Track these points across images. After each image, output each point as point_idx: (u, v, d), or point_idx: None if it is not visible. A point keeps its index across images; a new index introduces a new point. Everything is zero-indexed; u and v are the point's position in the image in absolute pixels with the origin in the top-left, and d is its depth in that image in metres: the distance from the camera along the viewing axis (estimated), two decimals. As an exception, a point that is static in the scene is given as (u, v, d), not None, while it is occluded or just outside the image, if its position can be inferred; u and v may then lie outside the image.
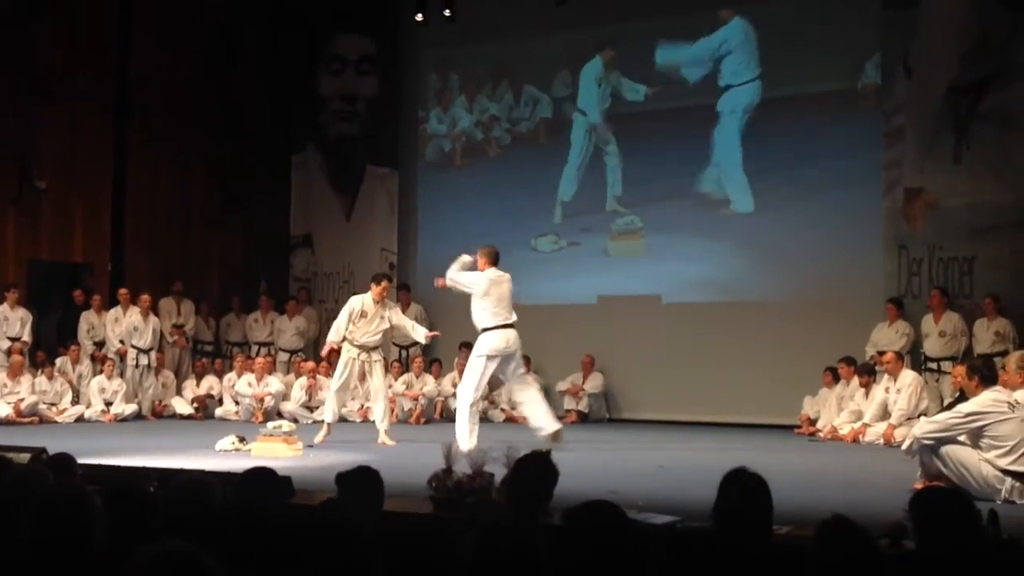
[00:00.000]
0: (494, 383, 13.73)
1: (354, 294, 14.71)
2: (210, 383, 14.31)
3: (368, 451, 9.29)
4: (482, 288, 9.62)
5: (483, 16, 14.67)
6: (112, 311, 14.02)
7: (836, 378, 11.80)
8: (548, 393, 13.69)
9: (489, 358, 9.60)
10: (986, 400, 6.61)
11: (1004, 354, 10.08)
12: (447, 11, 14.06)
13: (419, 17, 14.39)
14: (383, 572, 3.11)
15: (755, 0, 13.44)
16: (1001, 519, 4.79)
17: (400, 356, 14.55)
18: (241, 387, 13.68)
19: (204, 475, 4.53)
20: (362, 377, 10.93)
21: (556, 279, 14.78)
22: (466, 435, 9.31)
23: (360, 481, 4.50)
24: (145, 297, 13.94)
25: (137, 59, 15.04)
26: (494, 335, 9.55)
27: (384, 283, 10.73)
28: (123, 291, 14.08)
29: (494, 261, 9.75)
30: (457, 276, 9.83)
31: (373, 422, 10.68)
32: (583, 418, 13.43)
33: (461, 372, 13.55)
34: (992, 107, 11.42)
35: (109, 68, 14.85)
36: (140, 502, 3.71)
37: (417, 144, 15.84)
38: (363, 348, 10.43)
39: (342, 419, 13.13)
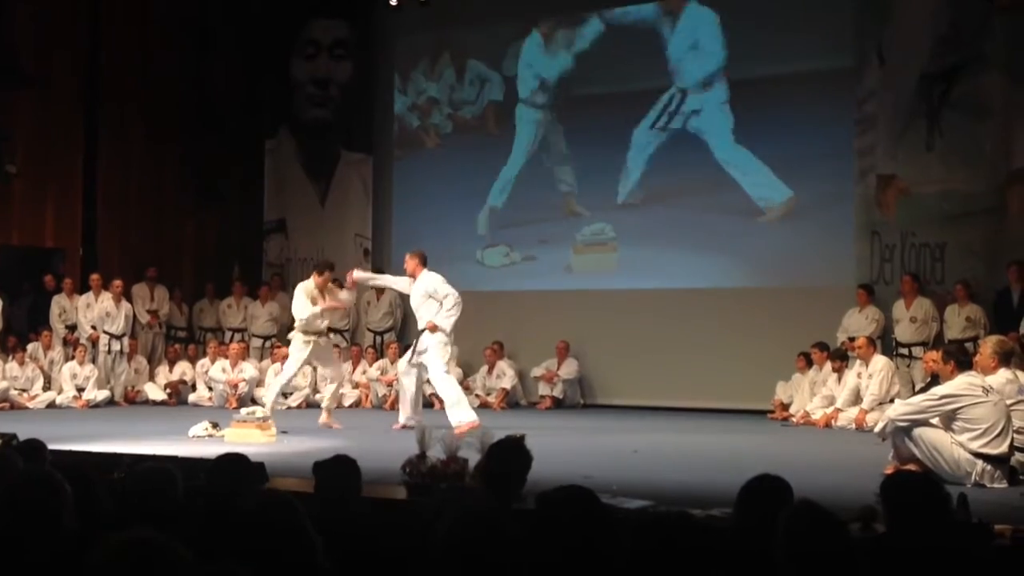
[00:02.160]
0: (467, 371, 13.85)
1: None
2: (183, 369, 14.25)
3: (341, 436, 9.27)
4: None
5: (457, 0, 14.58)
6: (84, 296, 13.91)
7: (809, 363, 11.87)
8: (523, 379, 13.78)
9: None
10: (961, 383, 6.68)
11: (975, 340, 10.20)
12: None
13: (393, 2, 14.30)
14: (332, 560, 3.12)
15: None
16: (971, 502, 4.84)
17: (375, 342, 14.51)
18: (215, 373, 13.64)
19: (167, 463, 4.51)
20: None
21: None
22: (458, 408, 9.51)
23: (337, 469, 4.48)
24: (117, 283, 13.84)
25: (109, 44, 14.90)
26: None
27: (327, 273, 10.66)
28: (95, 276, 13.98)
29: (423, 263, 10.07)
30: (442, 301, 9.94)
31: (346, 407, 10.70)
32: (557, 404, 13.45)
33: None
34: (964, 95, 11.48)
35: (81, 53, 14.71)
36: (86, 488, 3.68)
37: (392, 129, 15.70)
38: (319, 333, 10.47)
39: (315, 405, 13.18)
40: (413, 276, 10.01)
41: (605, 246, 13.76)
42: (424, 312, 9.88)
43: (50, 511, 3.12)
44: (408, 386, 10.07)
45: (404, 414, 10.03)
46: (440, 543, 2.84)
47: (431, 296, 9.83)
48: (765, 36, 12.93)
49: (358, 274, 10.78)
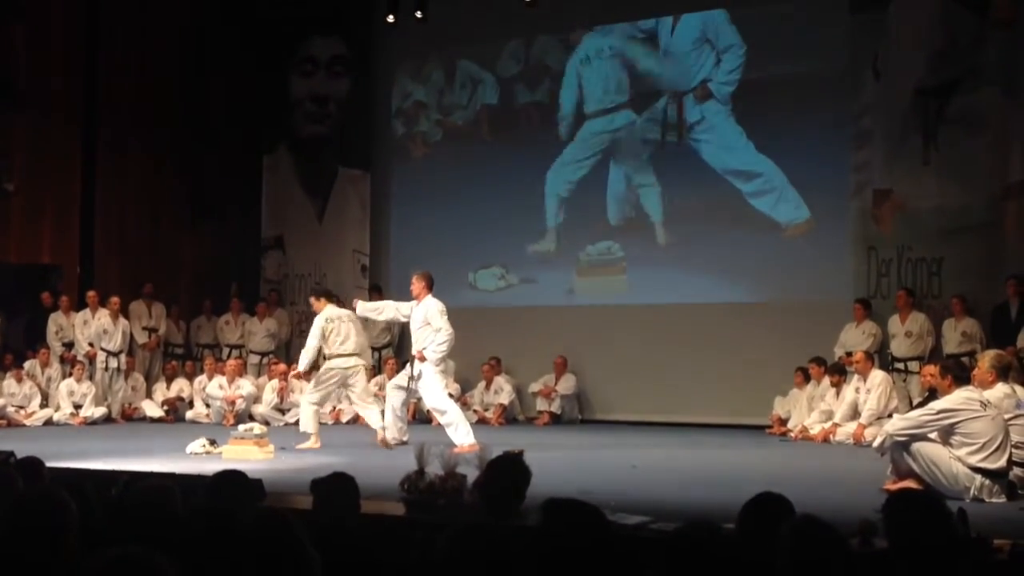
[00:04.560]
0: (465, 386, 13.85)
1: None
2: (180, 386, 14.22)
3: (339, 453, 9.26)
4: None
5: (455, 18, 14.57)
6: (81, 313, 13.90)
7: (807, 378, 11.86)
8: (521, 394, 13.77)
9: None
10: (959, 398, 6.68)
11: (971, 354, 10.20)
12: (419, 13, 13.99)
13: (390, 19, 14.32)
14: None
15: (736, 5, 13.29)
16: (970, 517, 4.83)
17: (372, 358, 14.48)
18: (212, 389, 13.61)
19: (165, 480, 4.51)
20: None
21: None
22: (457, 430, 9.44)
23: (335, 487, 4.48)
24: (114, 299, 13.83)
25: (106, 61, 14.94)
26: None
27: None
28: (91, 293, 13.96)
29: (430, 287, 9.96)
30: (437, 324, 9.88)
31: (343, 423, 10.62)
32: (555, 419, 13.43)
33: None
34: (959, 110, 11.52)
35: (78, 70, 14.74)
36: (84, 506, 3.67)
37: (391, 146, 15.67)
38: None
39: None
40: (417, 299, 9.91)
41: (613, 267, 13.40)
42: (420, 337, 9.81)
43: (55, 528, 3.12)
44: (394, 401, 10.02)
45: (391, 432, 9.92)
46: (439, 559, 2.84)
47: (429, 324, 9.80)
48: (759, 52, 12.96)
49: (361, 306, 10.51)
